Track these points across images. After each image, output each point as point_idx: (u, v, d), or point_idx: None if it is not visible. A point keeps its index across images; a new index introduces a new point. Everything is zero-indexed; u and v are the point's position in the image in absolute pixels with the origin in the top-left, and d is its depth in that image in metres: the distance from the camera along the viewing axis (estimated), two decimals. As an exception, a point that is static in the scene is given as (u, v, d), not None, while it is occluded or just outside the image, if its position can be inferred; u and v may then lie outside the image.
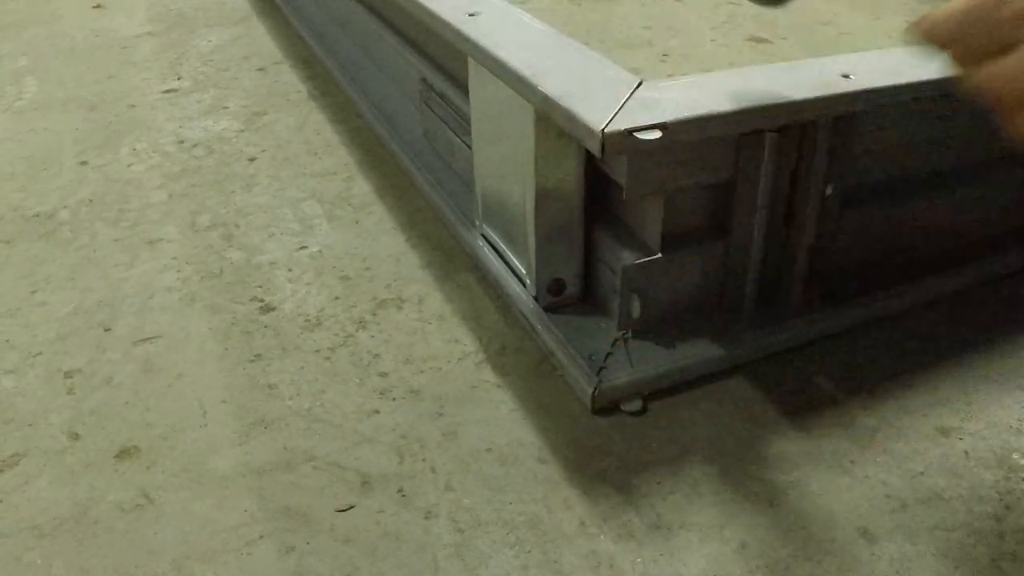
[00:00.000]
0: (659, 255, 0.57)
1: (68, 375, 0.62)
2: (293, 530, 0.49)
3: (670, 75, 1.12)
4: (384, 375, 0.60)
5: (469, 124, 0.70)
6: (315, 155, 0.94)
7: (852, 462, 0.52)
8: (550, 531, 0.48)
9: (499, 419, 0.56)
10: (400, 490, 0.51)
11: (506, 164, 0.63)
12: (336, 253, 0.75)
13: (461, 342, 0.63)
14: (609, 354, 0.58)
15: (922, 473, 0.51)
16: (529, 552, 0.47)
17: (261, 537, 0.48)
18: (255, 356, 0.63)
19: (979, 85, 0.42)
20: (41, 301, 0.70)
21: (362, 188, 0.86)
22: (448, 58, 0.81)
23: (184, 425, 0.56)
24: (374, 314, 0.67)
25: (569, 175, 0.58)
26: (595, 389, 0.55)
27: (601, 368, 0.57)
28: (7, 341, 0.65)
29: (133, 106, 1.09)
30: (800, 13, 1.30)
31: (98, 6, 1.54)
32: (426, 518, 0.49)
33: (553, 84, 0.52)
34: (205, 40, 1.33)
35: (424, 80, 0.85)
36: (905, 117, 0.59)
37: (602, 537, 0.47)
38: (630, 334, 0.59)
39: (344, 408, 0.57)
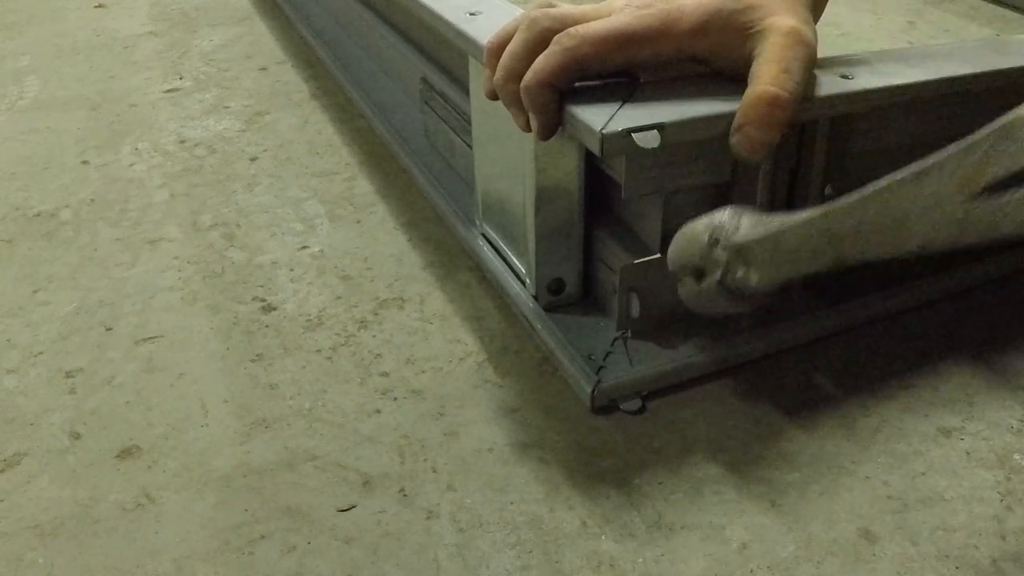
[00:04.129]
0: (658, 255, 0.57)
1: (69, 375, 0.62)
2: (294, 530, 0.49)
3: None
4: (385, 375, 0.60)
5: (470, 124, 0.70)
6: (317, 155, 0.94)
7: (853, 462, 0.52)
8: (551, 531, 0.48)
9: (500, 419, 0.56)
10: (402, 490, 0.51)
11: (506, 164, 0.63)
12: (338, 253, 0.75)
13: (462, 342, 0.63)
14: (609, 353, 0.58)
15: (923, 473, 0.51)
16: (530, 552, 0.47)
17: (262, 537, 0.48)
18: (256, 356, 0.63)
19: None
20: (43, 301, 0.70)
21: (364, 188, 0.87)
22: (449, 58, 0.81)
23: (185, 425, 0.57)
24: (376, 314, 0.67)
25: (569, 174, 0.58)
26: (594, 388, 0.55)
27: (600, 367, 0.57)
28: (8, 340, 0.66)
29: (135, 105, 1.09)
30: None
31: (100, 5, 1.54)
32: (427, 518, 0.49)
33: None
34: (207, 40, 1.33)
35: (425, 80, 0.85)
36: (905, 117, 0.59)
37: (603, 537, 0.48)
38: (629, 333, 0.59)
39: (345, 408, 0.58)
